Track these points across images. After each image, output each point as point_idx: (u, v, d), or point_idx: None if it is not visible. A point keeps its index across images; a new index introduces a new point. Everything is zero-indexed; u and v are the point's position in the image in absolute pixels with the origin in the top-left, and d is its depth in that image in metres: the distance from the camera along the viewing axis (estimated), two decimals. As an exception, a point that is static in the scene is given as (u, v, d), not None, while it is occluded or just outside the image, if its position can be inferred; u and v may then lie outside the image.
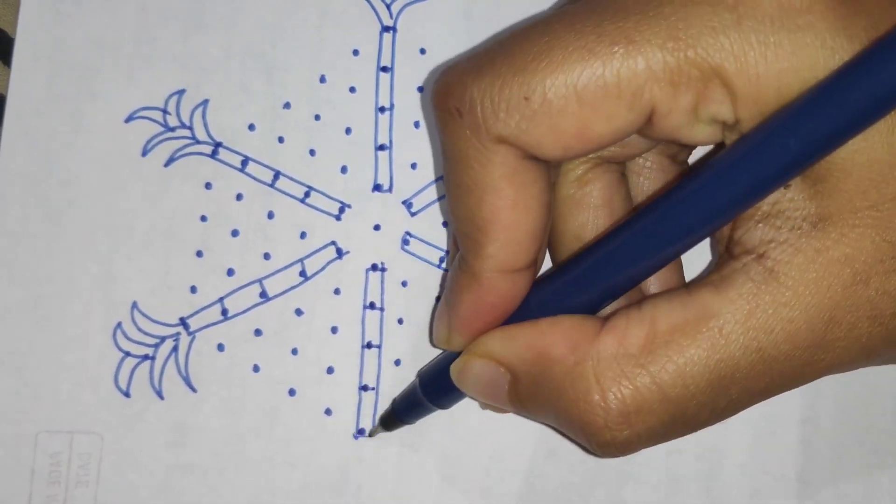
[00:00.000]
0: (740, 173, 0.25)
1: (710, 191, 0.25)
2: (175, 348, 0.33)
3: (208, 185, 0.34)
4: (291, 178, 0.34)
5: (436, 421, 0.34)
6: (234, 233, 0.34)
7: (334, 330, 0.34)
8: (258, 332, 0.34)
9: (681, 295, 0.27)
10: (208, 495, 0.33)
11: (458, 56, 0.28)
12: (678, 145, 0.31)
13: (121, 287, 0.33)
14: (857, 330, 0.26)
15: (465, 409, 0.34)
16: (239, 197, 0.34)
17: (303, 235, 0.34)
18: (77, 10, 0.34)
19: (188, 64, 0.34)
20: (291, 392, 0.34)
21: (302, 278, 0.34)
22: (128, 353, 0.33)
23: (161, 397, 0.33)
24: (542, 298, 0.29)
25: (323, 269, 0.34)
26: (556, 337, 0.27)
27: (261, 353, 0.34)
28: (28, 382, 0.33)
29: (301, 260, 0.34)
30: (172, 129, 0.34)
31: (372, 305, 0.34)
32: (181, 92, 0.34)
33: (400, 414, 0.33)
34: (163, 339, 0.33)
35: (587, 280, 0.28)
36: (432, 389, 0.32)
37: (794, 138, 0.24)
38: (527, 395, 0.28)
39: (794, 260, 0.25)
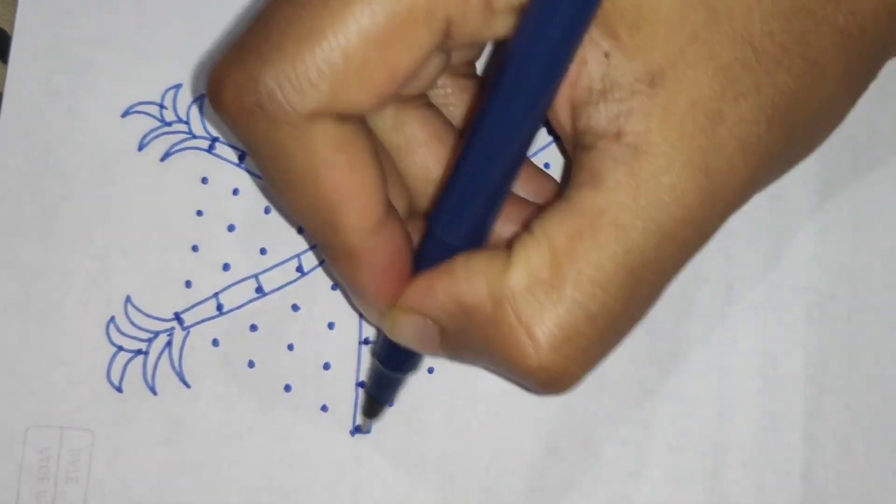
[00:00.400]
0: (540, 35, 0.24)
1: (525, 62, 0.25)
2: (169, 343, 0.33)
3: (204, 180, 0.34)
4: (289, 174, 0.34)
5: (436, 421, 0.33)
6: (231, 228, 0.34)
7: (331, 326, 0.34)
8: (254, 328, 0.33)
9: (561, 206, 0.26)
10: (202, 493, 0.32)
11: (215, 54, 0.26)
12: (466, 63, 0.31)
13: (115, 281, 0.33)
14: (734, 168, 0.26)
15: (465, 409, 0.33)
16: (235, 192, 0.34)
17: (300, 230, 0.34)
18: (74, 5, 0.34)
19: (185, 59, 0.34)
20: (287, 388, 0.33)
21: (298, 274, 0.34)
22: (121, 348, 0.33)
23: (154, 393, 0.33)
24: (445, 225, 0.28)
25: (320, 264, 0.34)
26: (470, 283, 0.26)
27: (256, 348, 0.33)
28: (19, 376, 0.32)
29: (297, 255, 0.34)
30: (169, 124, 0.34)
31: (369, 301, 0.34)
32: (178, 87, 0.34)
33: (376, 396, 0.32)
34: (156, 333, 0.33)
35: (472, 189, 0.27)
36: (389, 359, 0.31)
37: None
38: (457, 345, 0.28)
39: (650, 125, 0.25)
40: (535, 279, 0.26)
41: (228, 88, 0.25)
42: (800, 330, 0.34)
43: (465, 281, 0.27)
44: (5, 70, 0.34)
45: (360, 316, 0.34)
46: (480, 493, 0.33)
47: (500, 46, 0.29)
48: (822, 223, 0.35)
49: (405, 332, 0.28)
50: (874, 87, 0.32)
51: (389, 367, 0.31)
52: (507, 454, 0.33)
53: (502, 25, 0.25)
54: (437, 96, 0.31)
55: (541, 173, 0.32)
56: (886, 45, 0.27)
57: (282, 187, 0.26)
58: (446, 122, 0.31)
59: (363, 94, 0.25)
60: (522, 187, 0.31)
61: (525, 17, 0.25)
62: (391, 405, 0.33)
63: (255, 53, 0.24)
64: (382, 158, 0.28)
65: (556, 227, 0.26)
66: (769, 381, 0.34)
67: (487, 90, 0.26)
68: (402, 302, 0.28)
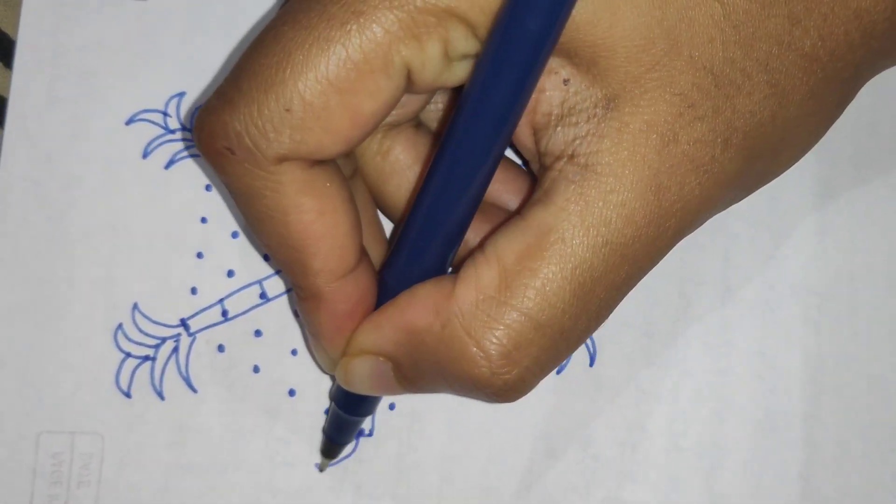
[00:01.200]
0: (500, 73, 0.25)
1: (482, 100, 0.25)
2: (176, 349, 0.34)
3: (208, 187, 0.34)
4: (291, 180, 0.34)
5: (435, 422, 0.34)
6: (235, 234, 0.34)
7: (334, 330, 0.34)
8: (258, 333, 0.34)
9: (515, 223, 0.27)
10: (209, 495, 0.33)
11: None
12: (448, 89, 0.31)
13: (121, 288, 0.34)
14: (686, 187, 0.26)
15: (464, 411, 0.34)
16: (239, 198, 0.34)
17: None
18: (78, 12, 0.34)
19: (189, 67, 0.34)
20: (291, 392, 0.34)
21: (302, 279, 0.34)
22: (129, 354, 0.33)
23: (162, 398, 0.33)
24: (396, 276, 0.29)
25: (323, 269, 0.34)
26: (416, 308, 0.27)
27: (261, 353, 0.34)
28: (30, 383, 0.33)
29: (301, 261, 0.34)
30: (173, 132, 0.34)
31: (371, 306, 0.34)
32: (182, 94, 0.34)
33: (334, 438, 0.33)
34: (163, 339, 0.34)
35: (423, 239, 0.28)
36: (346, 404, 0.32)
37: (530, 17, 0.24)
38: (412, 375, 0.28)
39: (602, 147, 0.26)
40: (484, 295, 0.26)
41: (205, 133, 0.26)
42: (798, 331, 0.35)
43: (411, 308, 0.27)
44: (9, 75, 0.34)
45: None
46: (479, 494, 0.34)
47: (458, 91, 0.29)
48: (821, 224, 0.35)
49: (358, 377, 0.29)
50: (874, 88, 0.32)
51: (347, 412, 0.32)
52: (505, 455, 0.34)
53: (463, 71, 0.26)
54: (427, 113, 0.32)
55: (519, 174, 0.32)
56: (860, 67, 0.28)
57: (253, 225, 0.28)
58: (435, 145, 0.31)
59: (326, 139, 0.26)
60: (499, 190, 0.32)
61: (478, 64, 0.25)
62: (348, 444, 0.34)
63: (226, 101, 0.26)
64: (361, 201, 0.29)
65: (506, 246, 0.27)
66: (767, 382, 0.34)
67: (442, 138, 0.26)
68: (351, 346, 0.29)
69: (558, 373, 0.34)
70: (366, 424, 0.34)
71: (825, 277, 0.35)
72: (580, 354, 0.34)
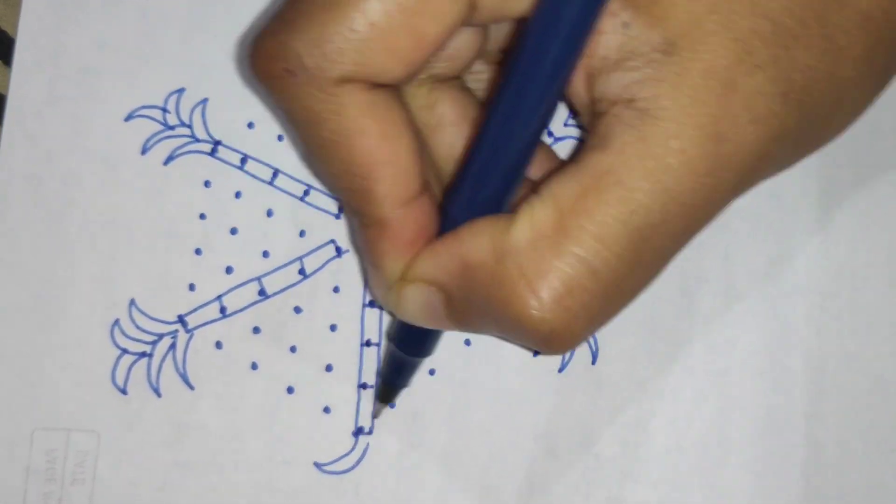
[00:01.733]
0: (558, 11, 0.25)
1: (543, 38, 0.25)
2: (173, 346, 0.33)
3: (207, 184, 0.34)
4: (290, 177, 0.34)
5: (436, 420, 0.34)
6: (233, 231, 0.34)
7: (333, 328, 0.34)
8: (257, 330, 0.34)
9: (572, 168, 0.26)
10: (206, 494, 0.33)
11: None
12: (502, 50, 0.31)
13: (119, 284, 0.33)
14: (744, 136, 0.26)
15: (465, 410, 0.34)
16: (238, 195, 0.34)
17: (302, 233, 0.34)
18: (78, 9, 0.34)
19: (188, 63, 0.34)
20: (290, 390, 0.33)
21: (301, 276, 0.34)
22: (125, 351, 0.33)
23: (158, 395, 0.33)
24: (458, 208, 0.28)
25: (322, 267, 0.34)
26: (473, 242, 0.27)
27: (259, 350, 0.34)
28: (25, 379, 0.33)
29: (300, 258, 0.34)
30: (172, 128, 0.34)
31: (371, 303, 0.34)
32: (181, 91, 0.34)
33: (390, 380, 0.32)
34: (160, 336, 0.33)
35: (486, 171, 0.27)
36: (404, 342, 0.31)
37: None
38: (463, 309, 0.28)
39: (662, 91, 0.25)
40: (539, 234, 0.26)
41: (262, 56, 0.26)
42: (800, 329, 0.35)
43: (469, 241, 0.27)
44: (8, 72, 0.34)
45: (367, 307, 0.34)
46: (480, 494, 0.33)
47: (520, 26, 0.29)
48: (823, 223, 0.35)
49: (410, 304, 0.28)
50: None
51: (404, 350, 0.31)
52: (506, 455, 0.34)
53: (525, 2, 0.26)
54: (472, 81, 0.31)
55: (554, 157, 0.32)
56: None
57: (316, 153, 0.27)
58: (478, 104, 0.31)
59: (390, 61, 0.25)
60: (534, 170, 0.31)
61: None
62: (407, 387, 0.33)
63: (286, 23, 0.26)
64: (419, 135, 0.28)
65: (563, 187, 0.26)
66: (769, 381, 0.34)
67: (504, 71, 0.26)
68: (408, 273, 0.28)
69: (560, 371, 0.34)
70: (365, 423, 0.33)
71: (827, 276, 0.35)
72: (582, 352, 0.34)
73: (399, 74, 0.26)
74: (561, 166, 0.31)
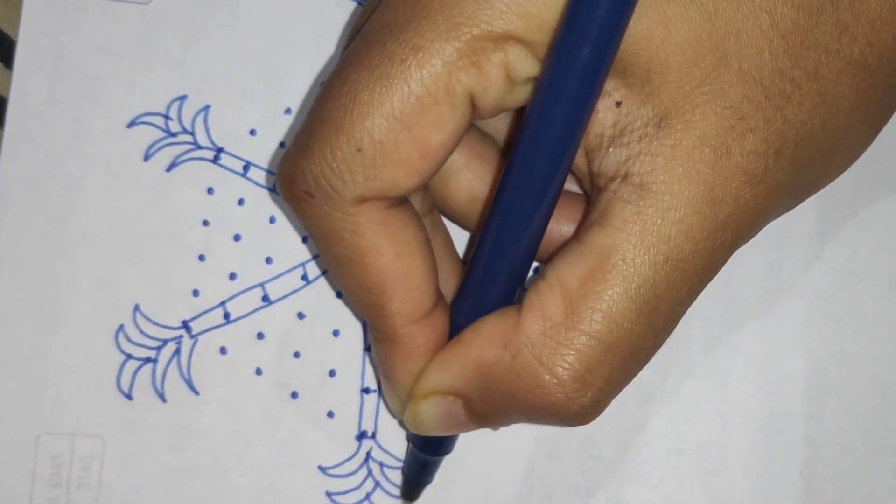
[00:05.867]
0: (557, 104, 0.25)
1: (541, 134, 0.25)
2: (177, 351, 0.34)
3: (210, 190, 0.34)
4: (293, 183, 0.34)
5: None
6: (237, 237, 0.34)
7: (336, 333, 0.34)
8: (260, 336, 0.34)
9: (574, 247, 0.27)
10: (210, 498, 0.33)
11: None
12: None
13: (123, 290, 0.34)
14: (741, 199, 0.26)
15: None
16: (241, 202, 0.34)
17: (304, 239, 0.34)
18: (79, 15, 0.34)
19: (190, 70, 0.35)
20: (294, 395, 0.34)
21: (303, 282, 0.34)
22: (130, 356, 0.33)
23: (163, 400, 0.33)
24: (464, 314, 0.29)
25: (325, 272, 0.34)
26: (484, 342, 0.27)
27: (263, 356, 0.34)
28: (30, 385, 0.33)
29: (303, 264, 0.34)
30: (174, 135, 0.34)
31: (373, 308, 0.34)
32: (183, 98, 0.34)
33: (414, 479, 0.33)
34: (165, 341, 0.34)
35: (488, 275, 0.28)
36: (424, 444, 0.32)
37: (584, 45, 0.24)
38: (485, 409, 0.28)
39: (656, 165, 0.26)
40: (551, 323, 0.26)
41: (285, 179, 0.27)
42: (800, 332, 0.35)
43: (478, 343, 0.28)
44: (9, 76, 0.34)
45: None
46: (480, 495, 0.34)
47: (519, 114, 0.30)
48: (823, 224, 0.35)
49: (427, 419, 0.29)
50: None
51: (429, 452, 0.32)
52: (506, 456, 0.34)
53: (526, 93, 0.27)
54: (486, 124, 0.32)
55: (572, 198, 0.32)
56: None
57: (333, 267, 0.28)
58: (485, 137, 0.31)
59: (399, 174, 0.26)
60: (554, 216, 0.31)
61: (535, 94, 0.25)
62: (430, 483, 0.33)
63: (302, 147, 0.27)
64: (440, 237, 0.29)
65: (568, 272, 0.27)
66: (769, 383, 0.34)
67: (506, 162, 0.27)
68: (418, 388, 0.29)
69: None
70: (368, 426, 0.34)
71: (827, 278, 0.35)
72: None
73: (411, 185, 0.27)
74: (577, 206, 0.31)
